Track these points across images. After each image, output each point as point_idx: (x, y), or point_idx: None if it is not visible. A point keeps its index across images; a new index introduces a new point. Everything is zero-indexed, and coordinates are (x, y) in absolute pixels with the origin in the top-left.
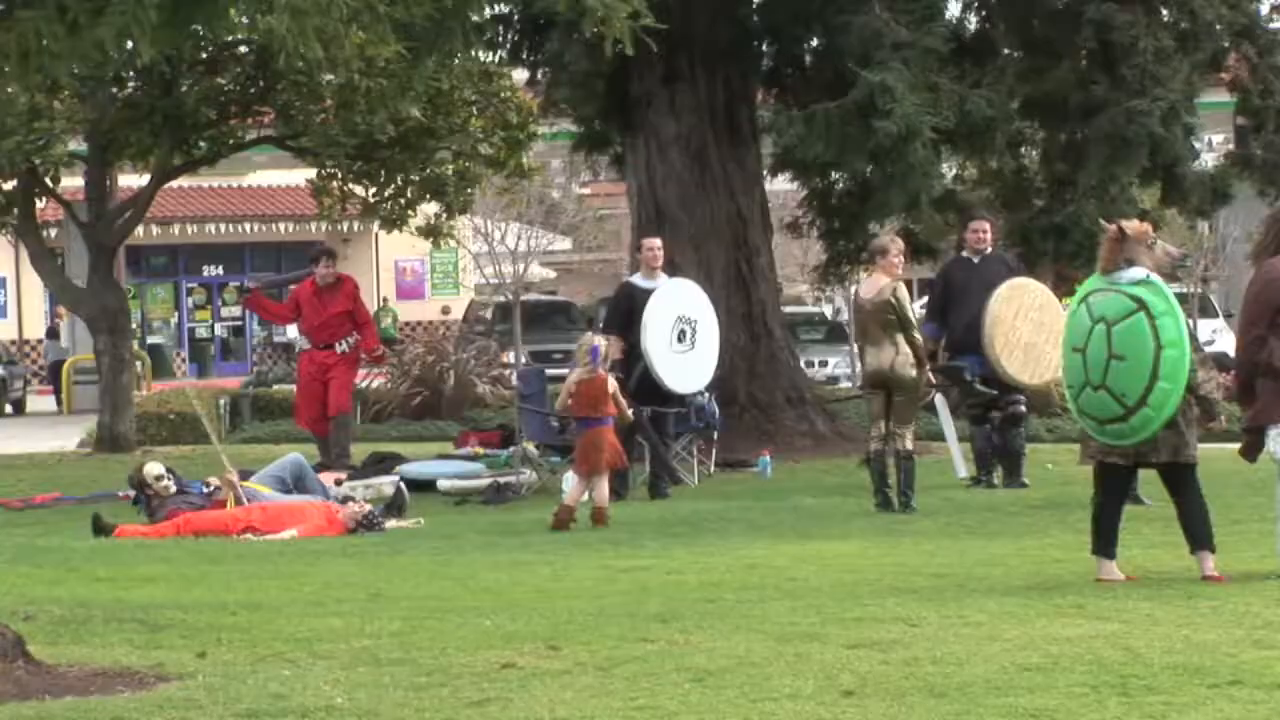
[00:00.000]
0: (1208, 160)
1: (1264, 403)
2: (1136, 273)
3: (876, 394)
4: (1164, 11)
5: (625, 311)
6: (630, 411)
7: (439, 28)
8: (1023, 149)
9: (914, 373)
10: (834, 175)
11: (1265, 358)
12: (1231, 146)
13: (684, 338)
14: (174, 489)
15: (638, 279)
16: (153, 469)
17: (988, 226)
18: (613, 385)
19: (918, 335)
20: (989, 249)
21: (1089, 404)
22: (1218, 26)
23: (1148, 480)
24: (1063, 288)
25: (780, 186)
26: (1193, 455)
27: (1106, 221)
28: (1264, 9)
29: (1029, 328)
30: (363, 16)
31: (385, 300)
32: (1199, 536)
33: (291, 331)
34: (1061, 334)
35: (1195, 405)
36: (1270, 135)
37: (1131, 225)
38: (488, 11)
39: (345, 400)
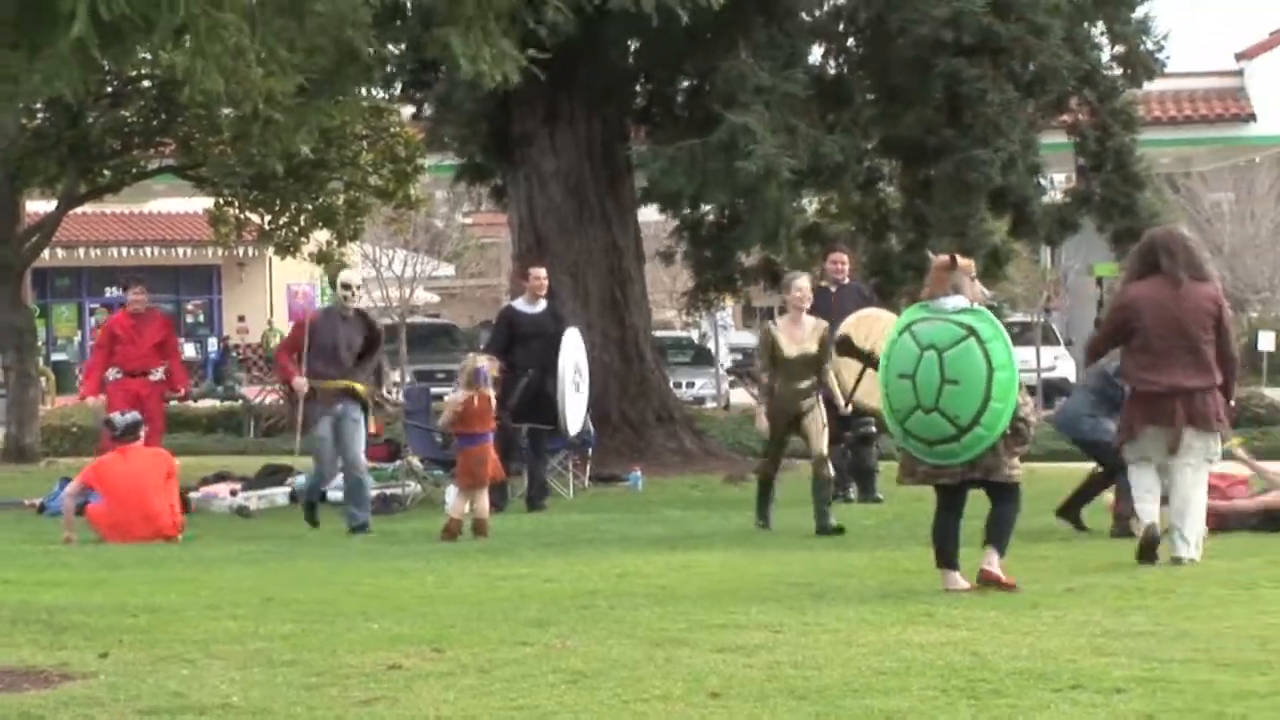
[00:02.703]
0: (1054, 196)
1: (1125, 416)
2: (960, 301)
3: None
4: (1012, 63)
5: (507, 335)
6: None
7: (337, 70)
8: (881, 184)
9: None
10: (703, 207)
11: (1126, 374)
12: (1074, 183)
13: (578, 387)
14: None
15: (520, 304)
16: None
17: (845, 258)
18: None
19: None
20: (846, 279)
21: (919, 426)
22: (1063, 72)
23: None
24: None
25: (655, 217)
26: (1010, 475)
27: (933, 253)
28: (1104, 56)
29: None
30: (269, 64)
31: (269, 323)
32: (994, 536)
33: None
34: None
35: (1009, 427)
36: (1108, 174)
37: (961, 257)
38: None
39: (158, 439)
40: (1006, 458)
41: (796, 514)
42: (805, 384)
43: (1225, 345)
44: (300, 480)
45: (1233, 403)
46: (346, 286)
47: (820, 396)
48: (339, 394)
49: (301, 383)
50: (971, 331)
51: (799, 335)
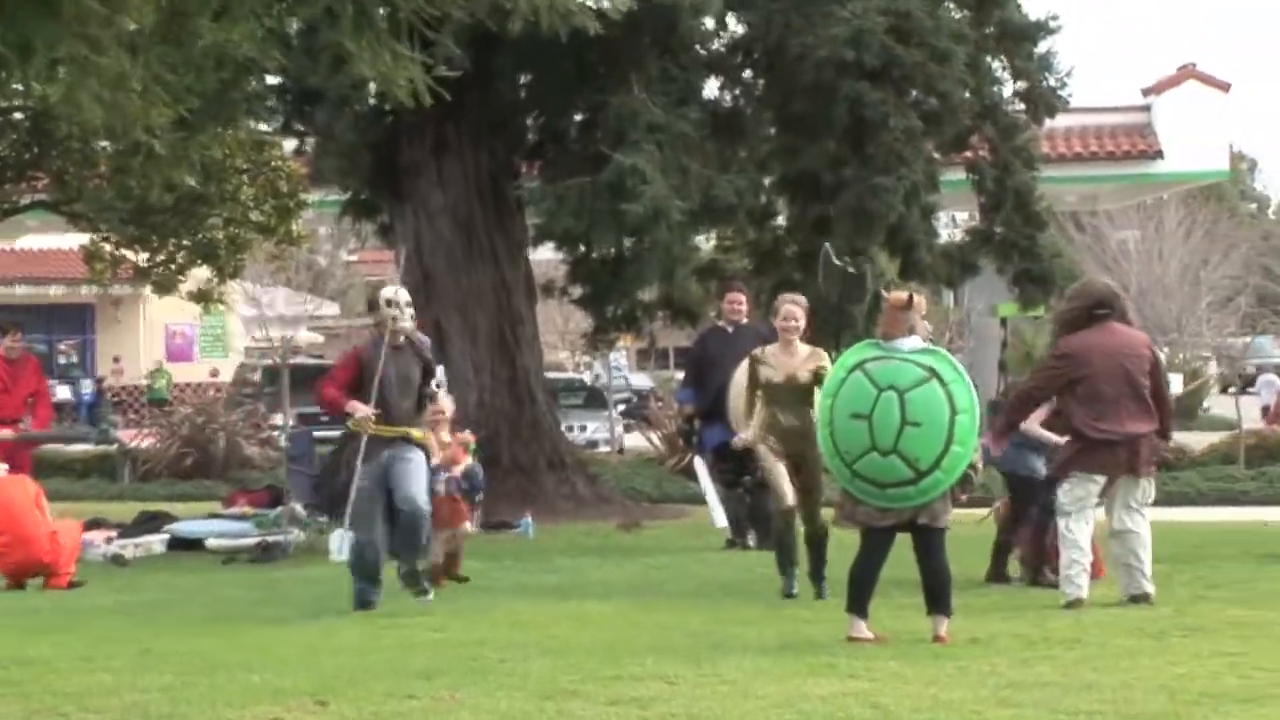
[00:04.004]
0: (955, 234)
1: (1063, 456)
2: (915, 342)
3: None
4: (913, 92)
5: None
6: None
7: (220, 98)
8: (774, 220)
9: None
10: (592, 246)
11: (1068, 419)
12: (976, 222)
13: None
14: None
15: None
16: None
17: (743, 298)
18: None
19: None
20: (744, 319)
21: (873, 469)
22: (962, 109)
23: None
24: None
25: (546, 255)
26: (948, 521)
27: (886, 291)
28: (1007, 92)
29: None
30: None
31: (159, 363)
32: (938, 601)
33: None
34: (813, 402)
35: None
36: (1008, 213)
37: (917, 296)
38: (265, 82)
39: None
40: (948, 503)
41: (691, 561)
42: (798, 421)
43: (1162, 388)
44: (182, 527)
45: (1170, 442)
46: (392, 304)
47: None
48: (389, 441)
49: (366, 411)
50: (933, 373)
51: (790, 363)
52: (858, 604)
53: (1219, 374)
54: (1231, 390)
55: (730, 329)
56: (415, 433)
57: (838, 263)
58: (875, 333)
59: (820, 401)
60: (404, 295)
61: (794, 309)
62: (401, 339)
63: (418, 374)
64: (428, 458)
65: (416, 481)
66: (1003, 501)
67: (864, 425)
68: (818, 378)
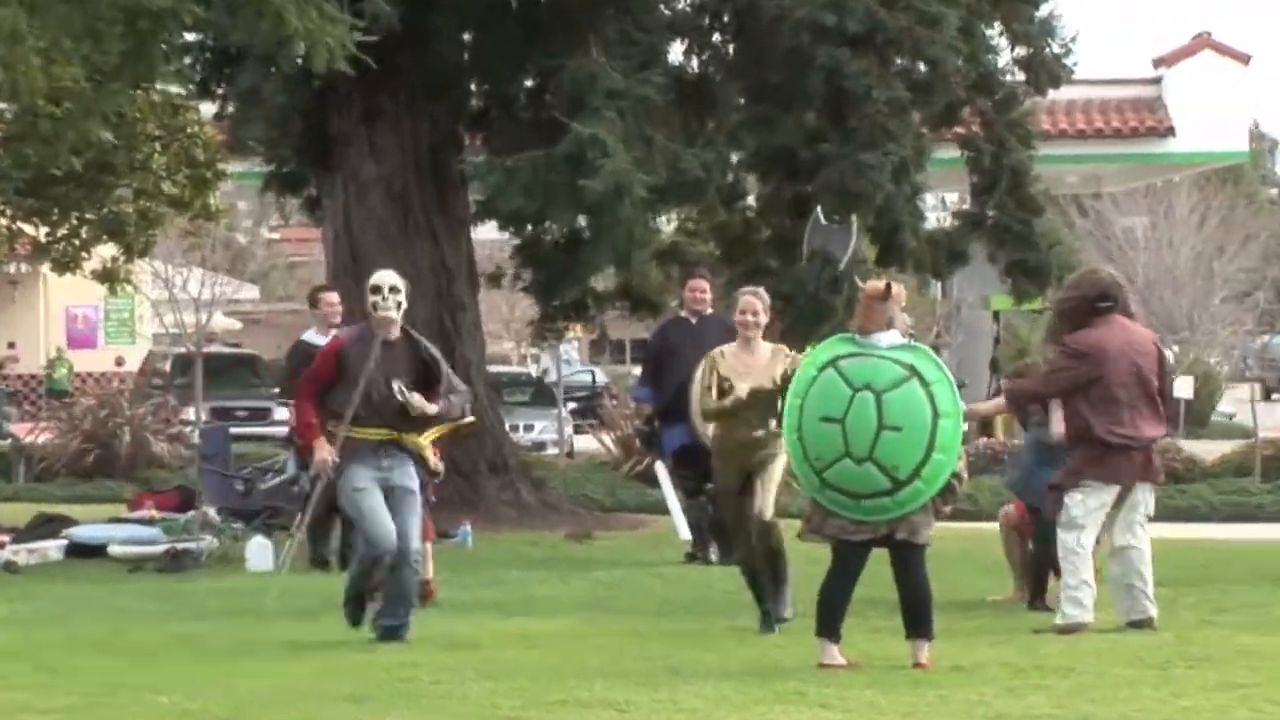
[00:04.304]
0: (944, 218)
1: (1074, 464)
2: (894, 336)
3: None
4: (898, 60)
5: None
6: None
7: (137, 52)
8: (745, 200)
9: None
10: (545, 225)
11: (1079, 424)
12: (967, 205)
13: None
14: None
15: (311, 335)
16: None
17: (706, 286)
18: None
19: None
20: (709, 309)
21: (846, 478)
22: (954, 78)
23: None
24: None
25: (490, 235)
26: (928, 536)
27: (863, 281)
28: (1001, 61)
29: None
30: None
31: (59, 350)
32: (918, 623)
33: None
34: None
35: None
36: (1003, 195)
37: (896, 285)
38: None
39: None
40: (930, 517)
41: (647, 575)
42: (759, 431)
43: (1167, 388)
44: (83, 532)
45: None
46: (377, 290)
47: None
48: (381, 444)
49: (325, 458)
50: (914, 372)
51: (752, 364)
52: (829, 627)
53: (1258, 377)
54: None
55: (693, 319)
56: (418, 438)
57: (827, 223)
58: (850, 326)
59: (788, 402)
60: (391, 279)
61: (753, 301)
62: (396, 333)
63: (413, 378)
64: (426, 472)
65: (406, 516)
66: (1015, 506)
67: (836, 429)
68: (786, 382)
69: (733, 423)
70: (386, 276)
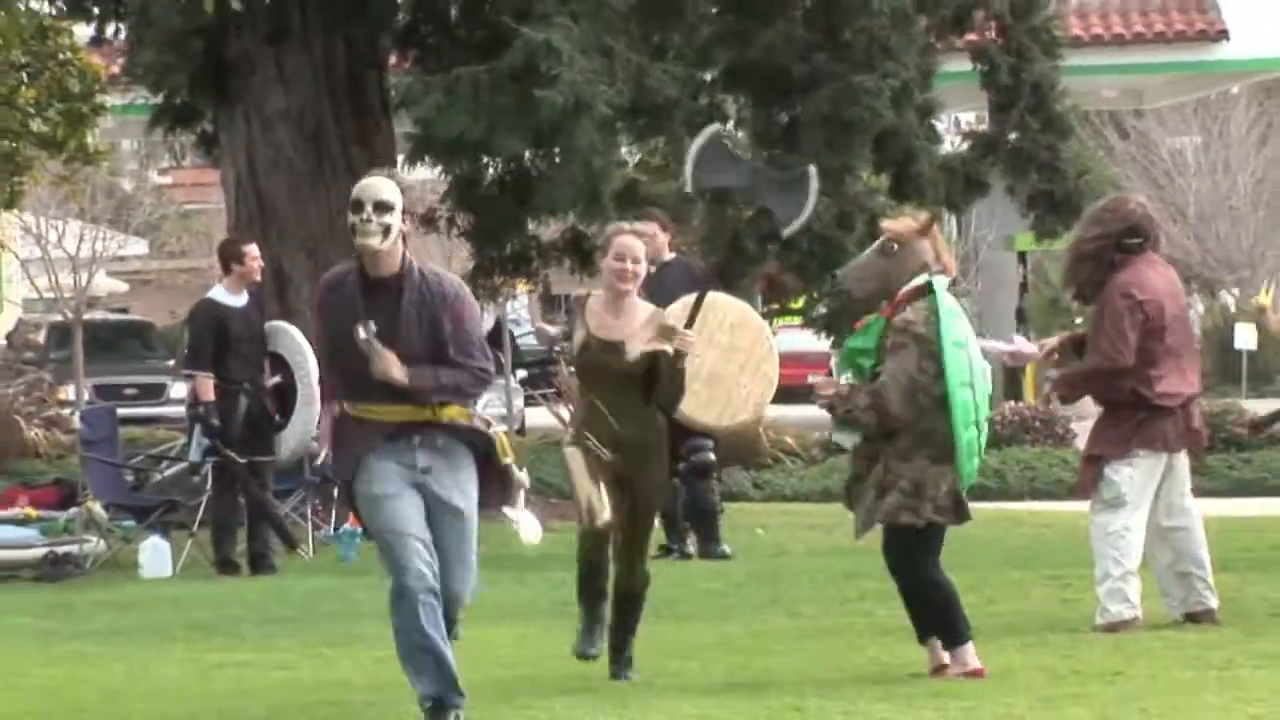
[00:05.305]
0: (957, 142)
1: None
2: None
3: None
4: None
5: (219, 338)
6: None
7: None
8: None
9: None
10: (485, 160)
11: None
12: (985, 126)
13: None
14: None
15: (223, 294)
16: None
17: (656, 228)
18: None
19: None
20: (667, 255)
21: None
22: None
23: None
24: (776, 300)
25: (423, 175)
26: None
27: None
28: None
29: (715, 354)
30: None
31: None
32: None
33: None
34: (760, 361)
35: None
36: (1023, 115)
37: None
38: None
39: None
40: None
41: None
42: (634, 428)
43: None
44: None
45: None
46: (358, 207)
47: (663, 438)
48: (403, 428)
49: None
50: None
51: (621, 329)
52: (954, 626)
53: None
54: None
55: (652, 268)
56: (454, 412)
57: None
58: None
59: (952, 356)
60: (376, 190)
61: (632, 244)
62: (391, 266)
63: (424, 324)
64: (499, 466)
65: (457, 544)
66: None
67: (970, 394)
68: (678, 360)
69: (595, 406)
70: (372, 187)
